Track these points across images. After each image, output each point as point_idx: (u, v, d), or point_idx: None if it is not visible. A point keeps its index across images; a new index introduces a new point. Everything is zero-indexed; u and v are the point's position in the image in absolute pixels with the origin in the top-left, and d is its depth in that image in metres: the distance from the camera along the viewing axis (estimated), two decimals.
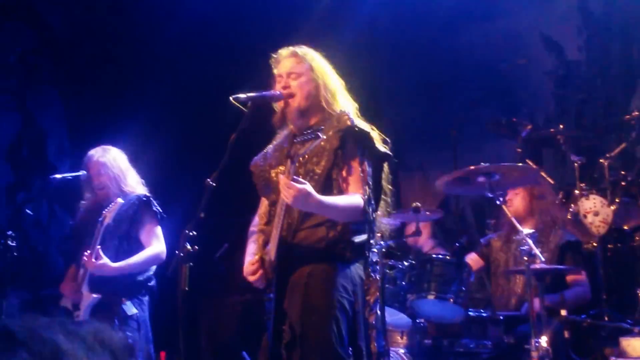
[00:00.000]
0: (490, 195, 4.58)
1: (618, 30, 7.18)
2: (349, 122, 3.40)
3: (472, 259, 5.34)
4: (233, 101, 3.59)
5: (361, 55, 7.11)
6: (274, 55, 3.70)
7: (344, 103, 3.62)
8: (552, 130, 6.40)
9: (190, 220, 3.49)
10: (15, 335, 1.18)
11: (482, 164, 4.62)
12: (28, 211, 6.24)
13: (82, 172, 5.11)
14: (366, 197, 3.29)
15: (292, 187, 3.13)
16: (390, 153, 3.55)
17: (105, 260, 4.61)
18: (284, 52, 3.68)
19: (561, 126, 6.39)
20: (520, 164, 5.22)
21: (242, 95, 3.60)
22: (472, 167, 4.59)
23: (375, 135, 3.52)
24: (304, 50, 3.68)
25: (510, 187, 5.12)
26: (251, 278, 3.53)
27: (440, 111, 7.73)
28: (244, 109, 3.59)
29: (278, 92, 3.62)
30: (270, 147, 3.78)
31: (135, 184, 5.02)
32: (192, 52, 7.52)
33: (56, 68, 7.90)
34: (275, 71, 3.68)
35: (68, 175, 5.29)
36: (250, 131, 3.57)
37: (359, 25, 7.31)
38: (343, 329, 3.31)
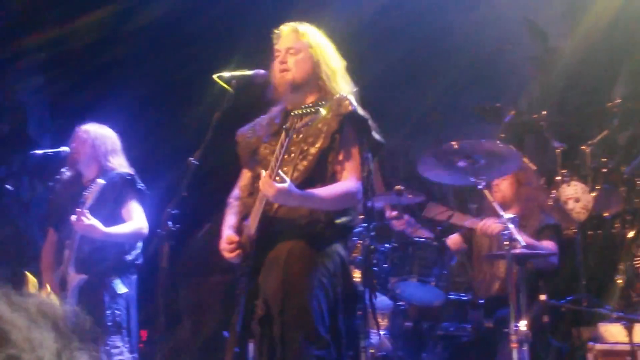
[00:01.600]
0: (472, 179, 4.60)
1: (602, 16, 7.18)
2: (350, 108, 3.38)
3: (453, 240, 5.35)
4: (217, 79, 3.58)
5: (344, 40, 7.03)
6: (276, 31, 3.68)
7: (343, 85, 3.60)
8: (535, 116, 6.42)
9: (173, 198, 3.47)
10: None
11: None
12: (8, 187, 6.18)
13: (63, 149, 5.06)
14: (360, 183, 3.31)
15: (272, 186, 3.16)
16: (383, 142, 3.55)
17: (94, 221, 4.54)
18: (287, 27, 3.66)
19: (544, 112, 6.40)
20: (501, 144, 5.23)
21: (225, 74, 3.59)
22: (453, 143, 4.58)
23: (372, 123, 3.52)
24: (306, 27, 3.66)
25: (494, 177, 5.13)
26: (227, 255, 3.52)
27: (423, 96, 7.71)
28: (227, 87, 3.58)
29: (262, 71, 3.61)
30: (259, 120, 3.75)
31: (118, 165, 4.95)
32: (177, 30, 7.45)
33: (37, 42, 7.80)
34: (275, 47, 3.66)
35: (49, 151, 5.24)
36: (233, 109, 3.55)
37: (341, 9, 7.27)
38: (324, 308, 3.31)
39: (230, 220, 3.68)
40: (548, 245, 4.99)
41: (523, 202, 5.22)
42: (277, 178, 3.20)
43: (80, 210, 4.49)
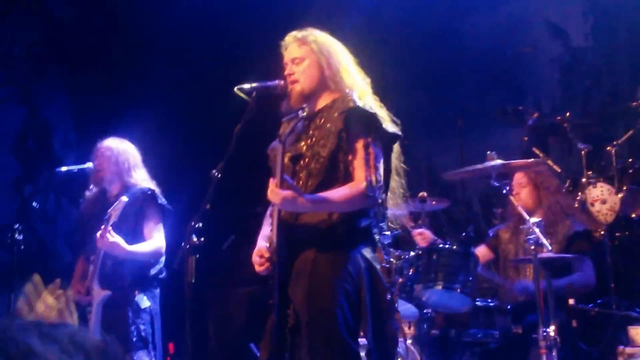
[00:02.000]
0: (496, 184, 4.58)
1: (624, 16, 7.12)
2: (351, 104, 3.37)
3: (481, 252, 5.32)
4: (237, 92, 3.59)
5: (365, 45, 7.03)
6: (283, 42, 3.69)
7: (352, 81, 3.58)
8: (558, 118, 6.37)
9: (197, 212, 3.48)
10: None
11: (488, 152, 4.60)
12: (35, 204, 6.25)
13: (88, 165, 5.10)
14: (370, 180, 3.23)
15: (278, 194, 3.18)
16: (399, 133, 3.51)
17: (118, 238, 4.60)
18: (288, 37, 3.67)
19: (567, 114, 6.35)
20: (529, 160, 5.18)
21: (246, 86, 3.59)
22: (479, 166, 4.57)
23: (384, 114, 3.48)
24: (306, 32, 3.65)
25: (515, 172, 5.10)
26: (257, 268, 3.53)
27: (446, 100, 7.69)
28: (248, 99, 3.59)
29: (282, 82, 3.61)
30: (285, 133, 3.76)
31: (141, 180, 5.00)
32: (198, 44, 7.50)
33: (61, 60, 7.89)
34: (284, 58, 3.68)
35: (74, 167, 5.29)
36: (255, 121, 3.56)
37: (363, 14, 7.28)
38: (348, 315, 3.30)
39: (265, 230, 3.69)
40: (582, 266, 4.96)
41: (546, 207, 5.18)
42: (284, 185, 3.21)
43: (103, 227, 4.54)
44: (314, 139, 3.44)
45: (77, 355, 1.23)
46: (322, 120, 3.45)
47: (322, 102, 3.57)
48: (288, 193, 3.19)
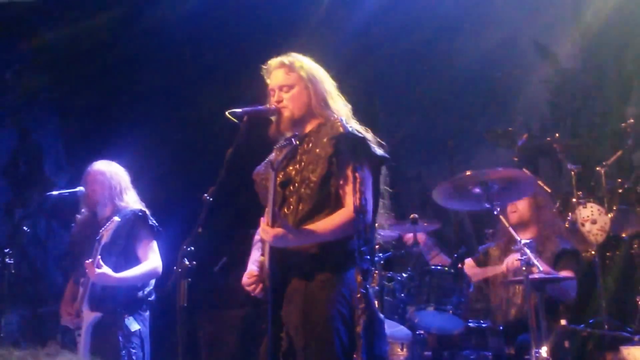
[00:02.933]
0: (487, 205, 4.59)
1: (612, 37, 7.19)
2: (341, 129, 3.39)
3: (467, 265, 5.31)
4: (229, 116, 3.60)
5: (356, 66, 7.12)
6: (264, 67, 3.71)
7: (336, 107, 3.62)
8: (548, 139, 6.41)
9: (188, 235, 3.48)
10: None
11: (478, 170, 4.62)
12: (25, 228, 6.23)
13: (79, 189, 5.11)
14: (360, 205, 3.25)
15: (268, 232, 3.25)
16: (387, 155, 3.53)
17: (106, 269, 4.61)
18: (273, 62, 3.68)
19: (557, 135, 6.39)
20: (515, 169, 5.21)
21: (237, 110, 3.60)
22: (468, 173, 4.58)
23: (370, 137, 3.50)
24: (292, 58, 3.67)
25: (508, 201, 5.11)
26: (247, 289, 3.54)
27: (436, 121, 7.73)
28: (239, 123, 3.60)
29: (273, 107, 3.63)
30: (271, 156, 3.78)
31: (132, 201, 5.02)
32: (189, 68, 7.53)
33: (52, 84, 7.90)
34: (268, 82, 3.69)
35: (65, 191, 5.29)
36: (246, 145, 3.57)
37: (353, 36, 7.33)
38: (344, 338, 3.30)
39: (254, 255, 3.70)
40: (567, 276, 4.96)
41: (542, 224, 5.20)
42: (276, 221, 3.24)
43: (93, 256, 4.55)
44: (302, 164, 3.46)
45: None
46: (309, 145, 3.47)
47: (309, 127, 3.60)
48: (279, 231, 3.24)
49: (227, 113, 3.60)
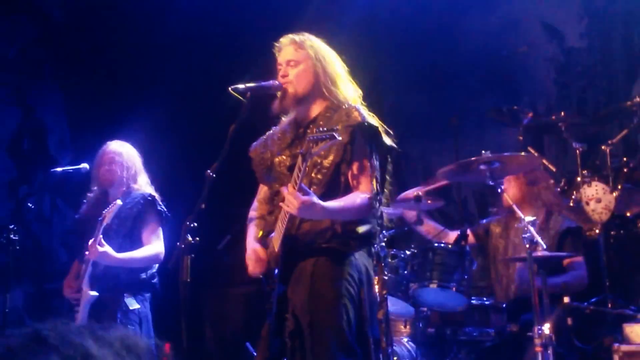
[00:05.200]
0: (491, 183, 4.58)
1: (619, 15, 7.14)
2: (359, 118, 3.40)
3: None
4: (232, 92, 3.59)
5: (361, 45, 7.08)
6: (277, 44, 3.70)
7: (347, 90, 3.60)
8: (553, 117, 6.38)
9: (192, 211, 3.49)
10: (47, 340, 1.22)
11: (483, 152, 4.61)
12: (30, 205, 6.24)
13: (83, 165, 5.12)
14: (374, 193, 3.28)
15: (297, 198, 3.14)
16: (395, 146, 3.54)
17: (107, 248, 4.61)
18: (285, 39, 3.67)
19: (562, 113, 6.37)
20: (522, 153, 5.20)
21: (240, 86, 3.59)
22: (473, 158, 4.58)
23: (382, 130, 3.51)
24: (304, 37, 3.66)
25: (511, 174, 5.11)
26: (252, 266, 3.54)
27: (441, 100, 7.70)
28: (243, 99, 3.59)
29: (277, 82, 3.61)
30: (271, 133, 3.77)
31: (144, 184, 5.02)
32: (192, 44, 7.51)
33: (56, 61, 7.89)
34: (278, 60, 3.68)
35: (69, 168, 5.31)
36: (250, 121, 3.57)
37: (358, 15, 7.29)
38: (351, 317, 3.31)
39: (252, 233, 3.70)
40: (575, 263, 4.97)
41: (533, 202, 5.18)
42: (302, 192, 3.20)
43: (94, 237, 4.56)
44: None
45: (129, 357, 1.27)
46: (309, 156, 3.39)
47: (315, 108, 3.58)
48: (308, 198, 3.18)
49: (230, 89, 3.60)
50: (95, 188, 5.08)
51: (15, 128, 7.64)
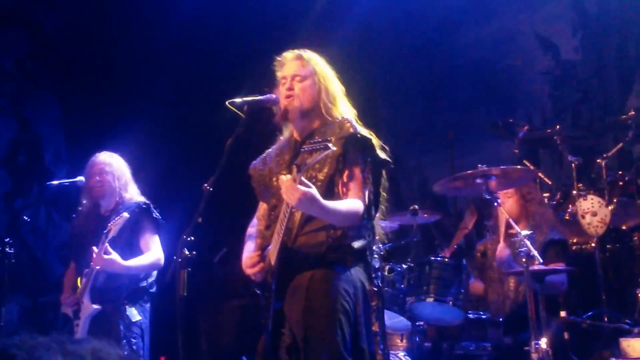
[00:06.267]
0: (487, 196, 4.59)
1: (614, 29, 7.18)
2: (351, 130, 3.41)
3: (475, 287, 5.32)
4: (229, 106, 3.59)
5: (357, 58, 7.11)
6: (279, 58, 3.70)
7: (344, 109, 3.62)
8: (548, 130, 6.40)
9: (188, 225, 3.48)
10: (14, 358, 1.20)
11: (479, 166, 4.62)
12: (25, 218, 6.23)
13: (79, 179, 5.10)
14: (366, 202, 3.29)
15: (298, 190, 3.13)
16: (389, 160, 3.55)
17: (115, 255, 4.59)
18: (289, 54, 3.68)
19: (558, 127, 6.38)
20: (518, 166, 5.21)
21: (237, 100, 3.60)
22: (469, 172, 4.59)
23: (375, 141, 3.51)
24: (309, 54, 3.68)
25: (507, 187, 5.12)
26: (250, 271, 3.52)
27: (437, 112, 7.73)
28: (240, 113, 3.59)
29: (274, 96, 3.62)
30: (270, 151, 3.77)
31: (135, 194, 5.02)
32: (189, 57, 7.52)
33: (52, 74, 7.89)
34: (278, 74, 3.68)
35: (65, 181, 5.29)
36: (247, 135, 3.57)
37: (354, 26, 7.31)
38: (346, 332, 3.31)
39: (249, 246, 3.69)
40: (561, 267, 4.95)
41: (530, 217, 5.18)
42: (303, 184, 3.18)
43: (101, 245, 4.55)
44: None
45: None
46: (304, 167, 3.39)
47: (314, 123, 3.59)
48: (308, 190, 3.15)
49: (227, 103, 3.60)
50: (85, 201, 5.07)
51: (10, 140, 7.63)
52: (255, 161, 3.79)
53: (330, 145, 3.13)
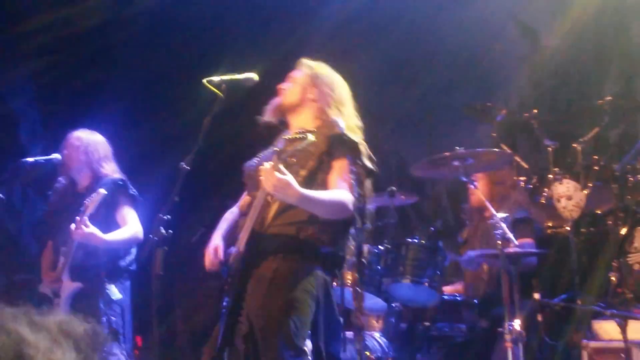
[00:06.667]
0: (464, 179, 4.62)
1: (592, 15, 7.20)
2: (337, 130, 3.44)
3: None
4: (206, 84, 3.58)
5: (334, 41, 7.08)
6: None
7: (348, 117, 3.63)
8: (526, 114, 6.42)
9: (165, 204, 3.47)
10: None
11: (456, 148, 4.63)
12: (0, 195, 6.15)
13: (55, 156, 5.06)
14: (354, 195, 3.32)
15: (274, 175, 3.12)
16: (375, 169, 3.56)
17: (94, 229, 4.55)
18: (301, 62, 3.80)
19: (535, 111, 6.41)
20: (495, 149, 5.24)
21: (215, 78, 3.60)
22: (447, 153, 4.61)
23: (364, 149, 3.52)
24: (314, 62, 3.77)
25: (483, 170, 5.15)
26: (207, 264, 3.55)
27: (415, 96, 7.72)
28: (217, 91, 3.58)
29: (251, 75, 3.64)
30: (265, 151, 3.78)
31: (111, 171, 4.98)
32: (167, 35, 7.45)
33: (28, 50, 7.79)
34: None
35: (41, 158, 5.23)
36: (224, 113, 3.56)
37: (332, 10, 7.28)
38: (302, 326, 3.32)
39: (222, 227, 3.70)
40: (527, 244, 5.00)
41: (498, 201, 5.21)
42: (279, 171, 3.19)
43: (79, 219, 4.50)
44: (293, 158, 3.43)
45: (66, 343, 1.24)
46: (283, 154, 3.39)
47: (303, 122, 3.62)
48: (285, 177, 3.15)
49: (204, 81, 3.59)
50: (61, 178, 5.04)
51: None
52: (250, 161, 3.79)
53: (310, 135, 3.15)
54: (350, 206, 3.32)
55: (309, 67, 3.75)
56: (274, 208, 3.42)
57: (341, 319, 3.50)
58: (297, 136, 3.20)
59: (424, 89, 7.71)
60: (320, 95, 3.65)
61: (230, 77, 3.64)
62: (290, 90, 3.70)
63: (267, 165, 3.18)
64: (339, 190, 3.38)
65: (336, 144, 3.44)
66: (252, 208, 3.40)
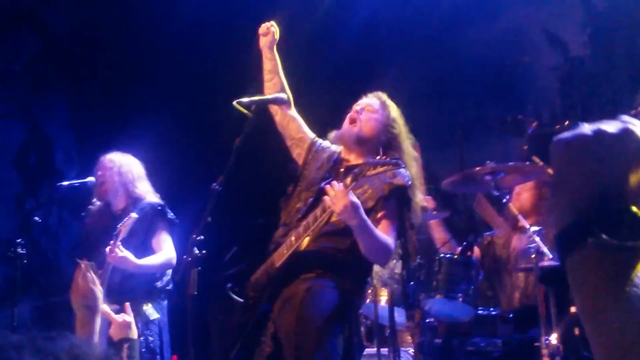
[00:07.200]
0: (496, 193, 4.59)
1: (622, 24, 7.15)
2: (403, 183, 3.45)
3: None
4: (237, 105, 3.61)
5: (365, 55, 7.11)
6: (364, 95, 3.85)
7: (399, 150, 3.68)
8: (557, 126, 6.37)
9: (198, 224, 3.50)
10: None
11: (487, 162, 4.62)
12: (37, 218, 6.25)
13: (90, 179, 5.12)
14: (395, 245, 3.42)
15: (347, 196, 3.15)
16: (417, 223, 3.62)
17: (127, 253, 4.59)
18: (372, 94, 3.85)
19: (567, 122, 6.36)
20: (526, 163, 5.20)
21: (245, 100, 3.62)
22: (478, 169, 4.59)
23: (418, 184, 3.59)
24: (385, 96, 3.85)
25: (515, 184, 5.11)
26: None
27: (445, 110, 7.71)
28: (248, 112, 3.61)
29: (280, 95, 3.65)
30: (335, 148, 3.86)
31: (145, 192, 5.01)
32: (199, 57, 7.52)
33: (62, 75, 7.92)
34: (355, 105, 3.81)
35: (76, 182, 5.31)
36: (255, 134, 3.58)
37: (361, 23, 7.31)
38: (338, 349, 3.31)
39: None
40: None
41: (541, 216, 5.17)
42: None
43: (113, 242, 4.55)
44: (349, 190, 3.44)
45: None
46: (361, 177, 3.40)
47: (363, 154, 3.67)
48: (356, 201, 3.21)
49: (234, 103, 3.62)
50: (95, 200, 5.10)
51: (21, 142, 7.66)
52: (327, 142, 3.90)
53: (401, 163, 3.28)
54: (391, 252, 3.43)
55: (387, 106, 3.79)
56: (317, 230, 3.43)
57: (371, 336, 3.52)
58: (384, 161, 3.28)
59: (454, 103, 7.70)
60: (392, 138, 3.71)
61: (260, 98, 3.66)
62: (366, 123, 3.71)
63: (340, 186, 3.22)
64: (388, 237, 3.43)
65: (395, 195, 3.48)
66: (302, 226, 3.41)
